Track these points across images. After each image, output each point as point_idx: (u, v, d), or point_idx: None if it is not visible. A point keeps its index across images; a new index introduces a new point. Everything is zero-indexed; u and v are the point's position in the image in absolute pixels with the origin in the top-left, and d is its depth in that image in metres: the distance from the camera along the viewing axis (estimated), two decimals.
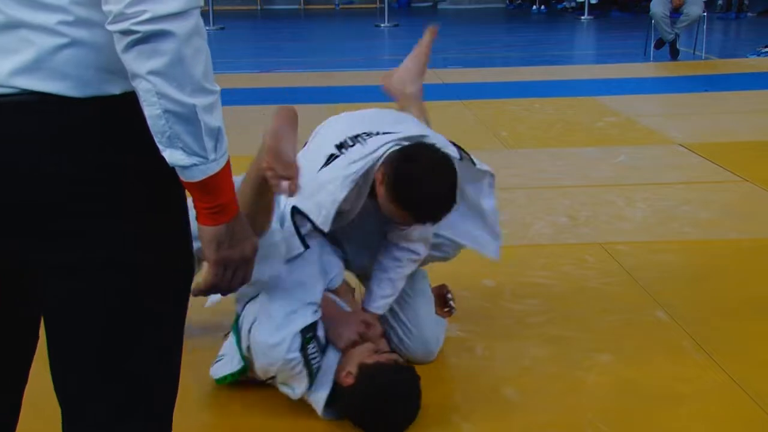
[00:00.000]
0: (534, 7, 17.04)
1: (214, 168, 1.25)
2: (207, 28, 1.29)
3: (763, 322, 3.06)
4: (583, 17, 15.12)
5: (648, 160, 5.31)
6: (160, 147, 1.23)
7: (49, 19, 1.21)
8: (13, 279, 1.38)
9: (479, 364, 2.81)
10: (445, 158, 2.42)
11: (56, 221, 1.26)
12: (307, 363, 2.35)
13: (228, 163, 1.28)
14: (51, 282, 1.31)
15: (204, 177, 1.25)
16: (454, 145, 2.65)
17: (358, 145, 2.46)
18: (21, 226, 1.27)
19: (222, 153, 1.26)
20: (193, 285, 1.43)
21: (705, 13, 9.71)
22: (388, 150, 2.41)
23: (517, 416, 2.51)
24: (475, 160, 2.69)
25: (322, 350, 2.41)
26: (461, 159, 2.60)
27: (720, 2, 15.48)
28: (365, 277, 2.73)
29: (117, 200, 1.27)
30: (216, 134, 1.24)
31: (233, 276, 1.38)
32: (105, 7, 1.18)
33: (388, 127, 2.54)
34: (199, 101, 1.21)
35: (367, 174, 2.40)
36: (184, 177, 1.26)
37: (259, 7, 16.84)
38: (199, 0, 1.21)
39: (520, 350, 2.87)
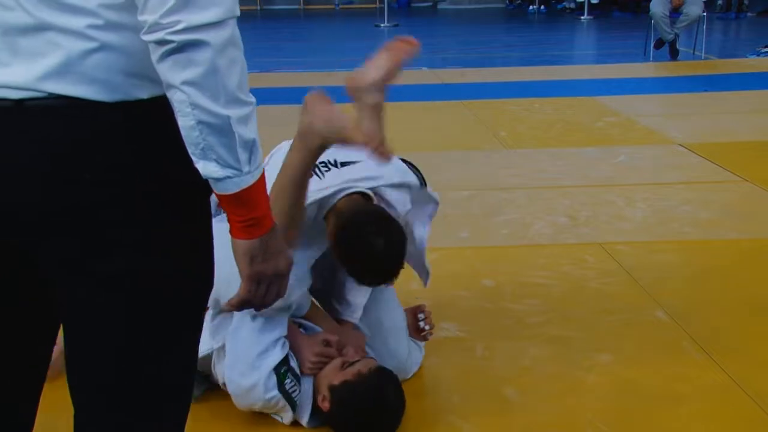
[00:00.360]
0: (532, 7, 17.04)
1: (248, 180, 1.23)
2: None
3: (763, 322, 3.06)
4: (582, 17, 15.12)
5: (648, 160, 5.32)
6: (194, 158, 1.22)
7: (78, 22, 1.19)
8: (33, 283, 1.37)
9: (479, 364, 2.81)
10: (392, 227, 2.32)
11: (79, 226, 1.24)
12: (288, 397, 2.35)
13: (263, 176, 1.26)
14: (70, 287, 1.29)
15: (238, 189, 1.23)
16: (412, 167, 2.59)
17: (314, 177, 2.33)
18: (43, 230, 1.26)
19: (256, 165, 1.24)
20: (227, 301, 1.40)
21: (705, 13, 9.72)
22: (340, 193, 2.33)
23: (517, 416, 2.51)
24: (427, 187, 2.62)
25: (298, 379, 2.39)
26: (420, 186, 2.56)
27: (720, 2, 15.49)
28: (323, 298, 2.66)
29: (141, 206, 1.26)
30: (250, 146, 1.22)
31: (267, 291, 1.36)
32: (140, 17, 1.17)
33: (347, 155, 2.43)
34: (234, 112, 1.19)
35: (320, 207, 2.33)
36: (218, 189, 1.24)
37: (258, 7, 16.85)
38: (235, 10, 1.19)
39: (520, 350, 2.87)
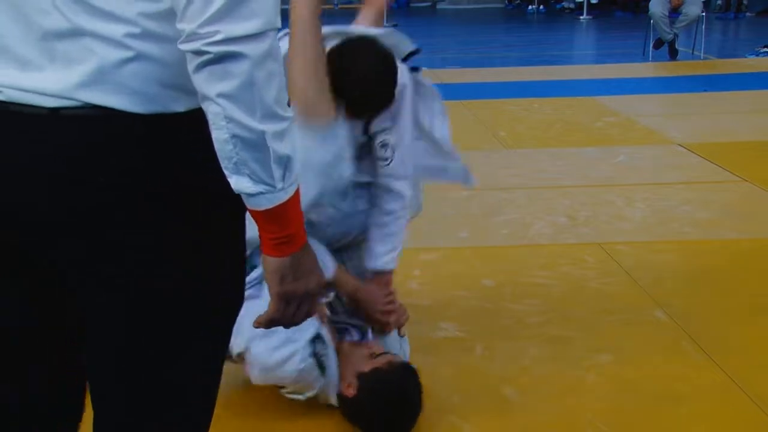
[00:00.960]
0: (531, 7, 17.04)
1: (281, 197, 1.20)
2: None
3: (762, 322, 3.06)
4: (582, 17, 15.13)
5: (647, 160, 5.32)
6: (227, 173, 1.19)
7: (116, 30, 1.17)
8: (58, 288, 1.34)
9: (479, 364, 2.81)
10: (379, 46, 2.40)
11: (109, 233, 1.23)
12: (320, 364, 2.33)
13: (297, 193, 1.23)
14: (79, 288, 1.28)
15: (271, 206, 1.20)
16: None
17: None
18: (72, 236, 1.24)
19: (290, 182, 1.21)
20: (255, 319, 1.37)
21: (704, 13, 9.72)
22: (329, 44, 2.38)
23: (517, 416, 2.51)
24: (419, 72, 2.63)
25: (326, 346, 2.37)
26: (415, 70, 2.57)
27: (719, 2, 15.50)
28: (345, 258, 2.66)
29: (171, 218, 1.24)
30: (285, 162, 1.19)
31: (296, 311, 1.32)
32: (179, 25, 1.14)
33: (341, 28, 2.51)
34: (269, 127, 1.16)
35: None
36: (250, 205, 1.21)
37: None
38: (276, 22, 1.16)
39: (519, 350, 2.87)
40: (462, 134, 6.17)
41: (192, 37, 1.13)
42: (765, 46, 10.10)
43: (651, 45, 9.78)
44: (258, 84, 1.14)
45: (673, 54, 9.69)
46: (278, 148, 1.18)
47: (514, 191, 4.62)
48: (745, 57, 9.97)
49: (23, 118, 1.21)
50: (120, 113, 1.19)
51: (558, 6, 17.12)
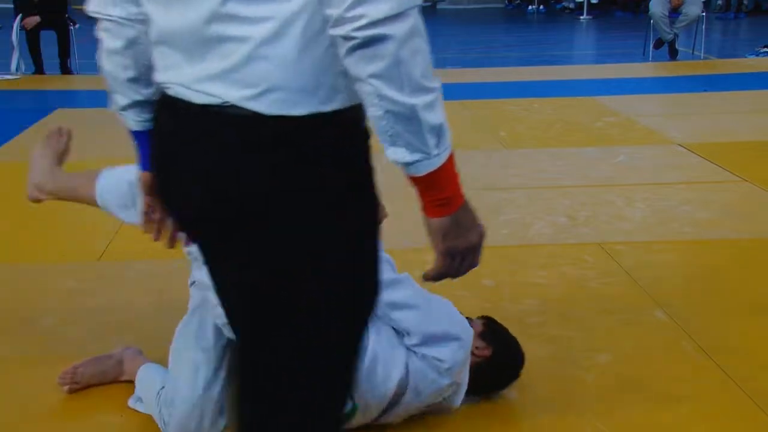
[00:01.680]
0: (531, 7, 17.05)
1: (436, 163, 1.28)
2: None
3: (763, 322, 3.06)
4: (582, 17, 15.14)
5: (647, 160, 5.32)
6: (384, 145, 1.27)
7: (251, 31, 1.25)
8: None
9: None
10: None
11: (239, 232, 1.33)
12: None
13: (452, 156, 1.31)
14: (242, 284, 1.39)
15: (427, 172, 1.28)
16: None
17: None
18: (209, 231, 1.37)
19: (445, 147, 1.29)
20: (424, 272, 1.45)
21: (704, 13, 9.73)
22: None
23: (517, 416, 2.51)
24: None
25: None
26: None
27: (719, 2, 15.50)
28: None
29: (304, 212, 1.32)
30: (438, 130, 1.27)
31: (461, 263, 1.41)
32: (327, 11, 1.21)
33: None
34: (419, 100, 1.24)
35: None
36: (408, 172, 1.29)
37: None
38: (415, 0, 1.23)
39: None
40: (462, 134, 6.19)
41: (339, 22, 1.21)
42: (765, 46, 10.10)
43: (651, 45, 9.78)
44: (405, 62, 1.22)
45: (673, 54, 9.69)
46: (430, 118, 1.26)
47: (514, 191, 4.62)
48: (745, 57, 9.98)
49: (185, 112, 1.33)
50: (251, 113, 1.28)
51: (558, 6, 17.12)
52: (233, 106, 1.28)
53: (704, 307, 3.18)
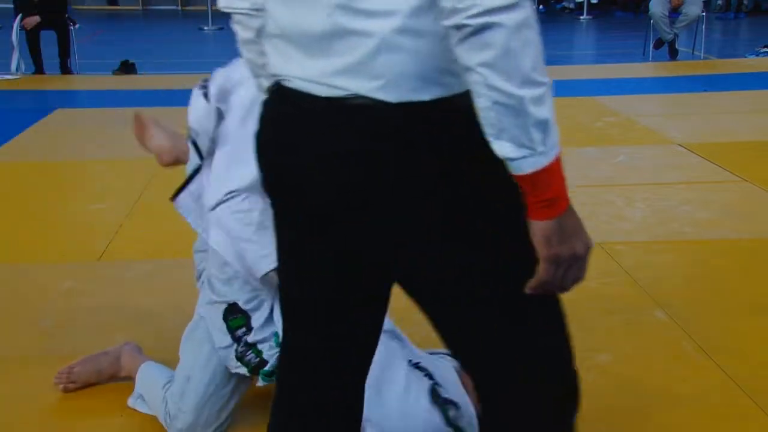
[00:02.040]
0: None
1: (542, 161, 1.25)
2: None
3: (763, 322, 3.06)
4: (582, 17, 15.13)
5: (647, 160, 5.32)
6: (490, 139, 1.25)
7: (378, 25, 1.26)
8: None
9: None
10: None
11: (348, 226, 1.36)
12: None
13: (558, 157, 1.27)
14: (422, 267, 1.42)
15: (532, 170, 1.25)
16: None
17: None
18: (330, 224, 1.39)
19: (551, 145, 1.26)
20: (528, 283, 1.42)
21: (704, 13, 9.73)
22: None
23: None
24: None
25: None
26: None
27: (719, 2, 15.50)
28: None
29: (425, 205, 1.33)
30: (544, 126, 1.24)
31: (564, 274, 1.37)
32: (442, 3, 1.21)
33: None
34: (528, 93, 1.22)
35: None
36: (513, 169, 1.26)
37: None
38: None
39: None
40: None
41: (453, 12, 1.20)
42: (765, 46, 10.10)
43: (651, 45, 9.78)
44: (515, 52, 1.20)
45: (673, 54, 9.69)
46: (537, 113, 1.24)
47: None
48: (745, 57, 9.98)
49: (310, 105, 1.34)
50: (371, 100, 1.29)
51: (558, 6, 17.12)
52: (361, 96, 1.29)
53: (704, 308, 3.18)
